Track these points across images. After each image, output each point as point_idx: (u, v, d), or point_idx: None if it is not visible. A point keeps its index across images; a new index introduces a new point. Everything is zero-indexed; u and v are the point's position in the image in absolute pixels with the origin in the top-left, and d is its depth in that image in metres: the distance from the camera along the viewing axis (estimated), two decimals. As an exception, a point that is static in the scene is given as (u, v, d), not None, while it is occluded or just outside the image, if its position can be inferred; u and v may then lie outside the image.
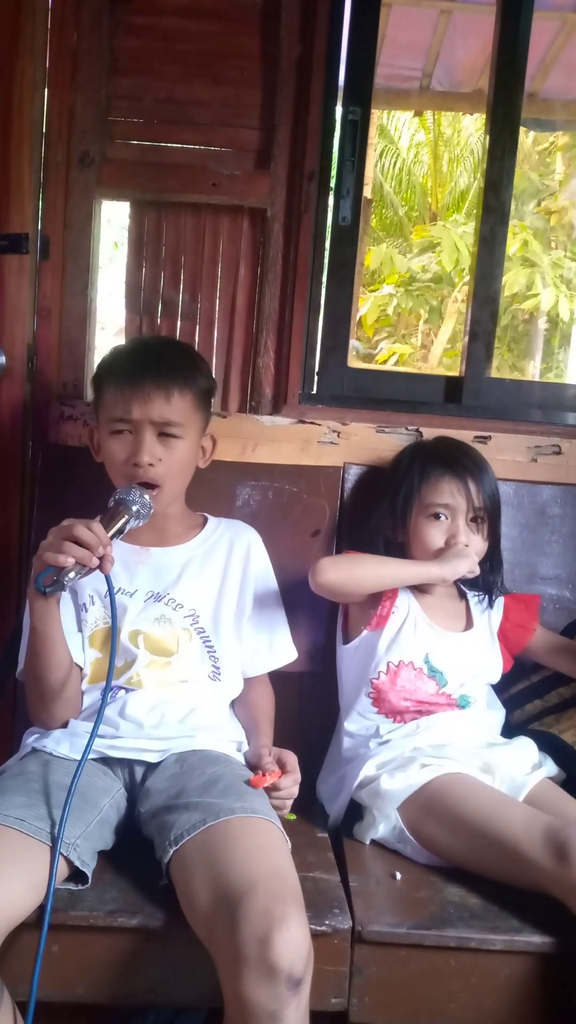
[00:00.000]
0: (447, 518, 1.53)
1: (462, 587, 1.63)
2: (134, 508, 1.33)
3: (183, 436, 1.43)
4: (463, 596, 1.63)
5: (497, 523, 1.59)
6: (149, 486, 1.39)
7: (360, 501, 1.70)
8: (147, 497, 1.36)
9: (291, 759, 1.34)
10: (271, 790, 1.31)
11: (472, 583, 1.62)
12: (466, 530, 1.53)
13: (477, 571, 1.51)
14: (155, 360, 1.46)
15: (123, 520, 1.31)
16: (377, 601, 1.53)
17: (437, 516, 1.53)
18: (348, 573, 1.46)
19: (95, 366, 1.77)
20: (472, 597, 1.62)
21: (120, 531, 1.31)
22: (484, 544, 1.55)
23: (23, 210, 1.71)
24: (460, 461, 1.56)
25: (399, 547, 1.58)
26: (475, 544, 1.53)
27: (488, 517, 1.55)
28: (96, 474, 1.48)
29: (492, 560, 1.61)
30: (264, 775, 1.30)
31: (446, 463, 1.56)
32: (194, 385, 1.44)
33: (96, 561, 1.21)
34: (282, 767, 1.33)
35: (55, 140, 1.74)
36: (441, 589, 1.57)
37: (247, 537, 1.56)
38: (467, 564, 1.49)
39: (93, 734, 1.23)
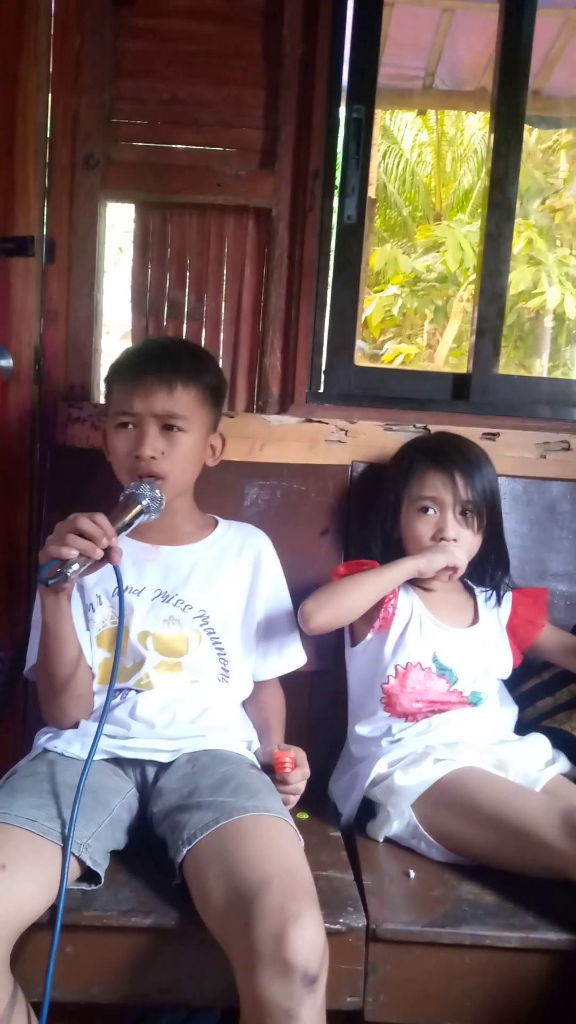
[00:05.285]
0: (435, 512, 1.53)
1: (468, 582, 1.62)
2: (144, 502, 1.33)
3: (187, 430, 1.43)
4: (470, 591, 1.62)
5: (495, 518, 1.58)
6: (154, 478, 1.39)
7: (368, 499, 1.69)
8: (158, 491, 1.36)
9: (300, 755, 1.35)
10: (279, 784, 1.31)
11: (479, 579, 1.61)
12: (454, 524, 1.52)
13: (460, 566, 1.50)
14: (159, 356, 1.47)
15: (132, 514, 1.31)
16: (379, 604, 1.52)
17: (425, 510, 1.53)
18: (334, 609, 1.45)
19: (102, 368, 1.78)
20: (480, 593, 1.61)
21: (129, 524, 1.30)
22: (476, 539, 1.54)
23: (28, 213, 1.72)
24: (448, 455, 1.55)
25: (396, 543, 1.58)
26: (464, 538, 1.52)
27: (482, 512, 1.53)
28: (104, 475, 1.49)
29: (495, 556, 1.60)
30: (284, 755, 1.31)
31: (433, 457, 1.55)
32: (199, 380, 1.45)
33: (100, 552, 1.21)
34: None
35: (59, 143, 1.74)
36: (445, 584, 1.57)
37: (258, 541, 1.56)
38: (445, 558, 1.48)
39: (98, 733, 1.23)
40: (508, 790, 1.32)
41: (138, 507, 1.32)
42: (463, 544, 1.52)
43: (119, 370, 1.48)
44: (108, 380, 1.51)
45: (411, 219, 10.71)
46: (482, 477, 1.54)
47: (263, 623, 1.52)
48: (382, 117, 9.50)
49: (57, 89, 1.73)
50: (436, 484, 1.53)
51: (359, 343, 1.98)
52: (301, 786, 1.34)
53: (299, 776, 1.33)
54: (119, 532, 1.26)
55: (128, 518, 1.30)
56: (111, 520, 1.25)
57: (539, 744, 1.49)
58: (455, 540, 1.51)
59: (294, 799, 1.34)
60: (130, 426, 1.42)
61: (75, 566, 1.19)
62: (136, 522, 1.32)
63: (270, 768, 1.34)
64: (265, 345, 1.83)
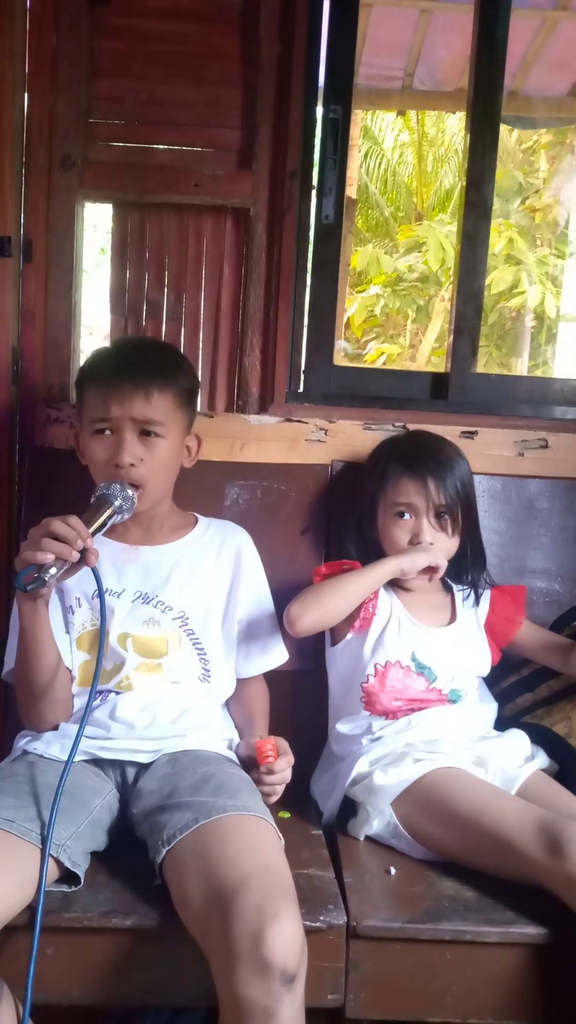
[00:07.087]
0: (411, 517, 1.53)
1: (448, 581, 1.63)
2: (116, 503, 1.32)
3: (165, 435, 1.42)
4: (449, 590, 1.63)
5: (471, 516, 1.58)
6: (133, 486, 1.39)
7: (348, 498, 1.70)
8: (129, 491, 1.35)
9: (282, 743, 1.35)
10: (264, 774, 1.31)
11: (456, 576, 1.62)
12: (430, 528, 1.53)
13: (442, 565, 1.51)
14: (134, 360, 1.45)
15: (105, 515, 1.30)
16: (360, 604, 1.52)
17: (401, 515, 1.54)
18: (320, 612, 1.46)
19: (80, 369, 1.77)
20: (458, 592, 1.62)
21: (103, 525, 1.30)
22: (452, 541, 1.55)
23: (5, 213, 1.71)
24: (420, 459, 1.55)
25: (373, 543, 1.59)
26: (441, 542, 1.53)
27: (456, 513, 1.54)
28: (84, 476, 1.48)
29: (471, 552, 1.60)
30: (265, 744, 1.31)
31: (406, 462, 1.55)
32: (175, 384, 1.44)
33: (76, 555, 1.20)
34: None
35: (36, 143, 1.73)
36: (424, 584, 1.57)
37: (238, 538, 1.56)
38: (427, 558, 1.49)
39: (79, 735, 1.23)
40: (485, 797, 1.32)
41: (111, 508, 1.31)
42: (440, 547, 1.53)
43: (91, 374, 1.46)
44: (79, 383, 1.49)
45: (393, 219, 10.74)
46: (455, 478, 1.54)
47: (245, 621, 1.52)
48: (363, 118, 9.51)
49: (33, 89, 1.72)
50: (409, 490, 1.53)
51: (342, 343, 1.98)
52: (287, 774, 1.34)
53: (284, 764, 1.33)
54: (93, 533, 1.26)
55: (102, 519, 1.29)
56: (84, 521, 1.24)
57: (518, 740, 1.49)
58: (432, 544, 1.52)
59: (280, 788, 1.34)
60: (107, 432, 1.41)
61: (52, 570, 1.19)
62: (110, 522, 1.32)
63: (252, 761, 1.34)
64: (244, 345, 1.83)
